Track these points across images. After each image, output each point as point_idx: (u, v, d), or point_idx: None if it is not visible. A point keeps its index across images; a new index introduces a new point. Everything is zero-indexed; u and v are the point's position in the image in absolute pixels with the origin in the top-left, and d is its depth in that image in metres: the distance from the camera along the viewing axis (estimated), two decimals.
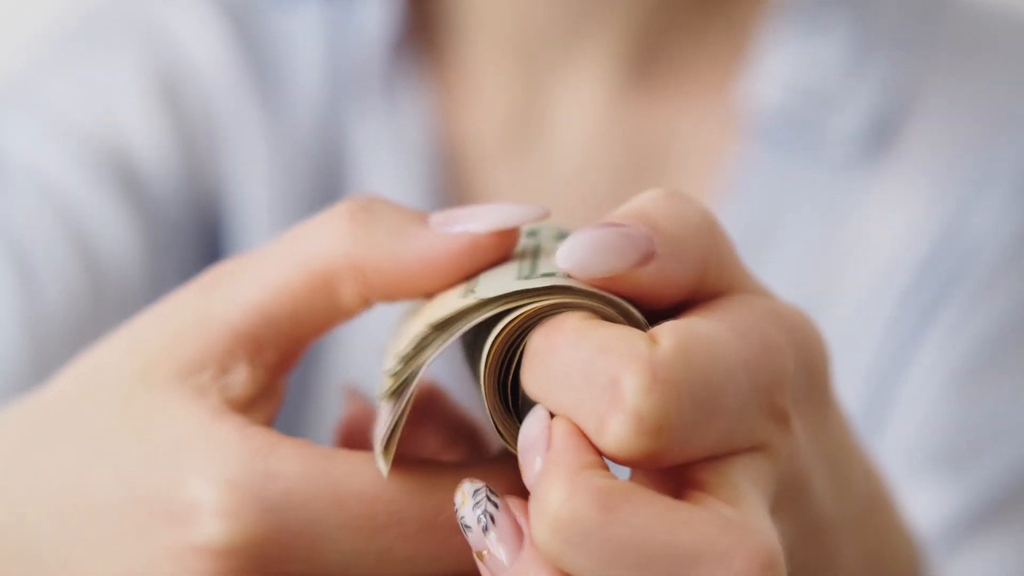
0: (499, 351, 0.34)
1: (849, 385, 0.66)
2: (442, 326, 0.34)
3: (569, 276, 0.34)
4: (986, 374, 0.67)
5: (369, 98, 0.73)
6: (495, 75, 0.73)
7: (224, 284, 0.37)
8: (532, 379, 0.33)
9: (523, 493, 0.33)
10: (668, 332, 0.32)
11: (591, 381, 0.32)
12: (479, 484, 0.34)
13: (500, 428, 0.35)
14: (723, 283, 0.35)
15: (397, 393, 0.35)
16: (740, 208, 0.70)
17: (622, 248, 0.34)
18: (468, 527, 0.33)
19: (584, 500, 0.30)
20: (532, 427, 0.33)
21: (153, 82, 0.72)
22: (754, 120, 0.71)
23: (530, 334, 0.34)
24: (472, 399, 0.39)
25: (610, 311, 0.34)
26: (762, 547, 0.31)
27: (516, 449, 0.34)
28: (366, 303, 0.37)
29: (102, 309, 0.68)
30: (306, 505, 0.35)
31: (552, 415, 0.33)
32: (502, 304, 0.34)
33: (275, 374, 0.38)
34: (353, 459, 0.35)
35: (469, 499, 0.34)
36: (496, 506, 0.33)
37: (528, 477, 0.33)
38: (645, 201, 0.35)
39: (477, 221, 0.36)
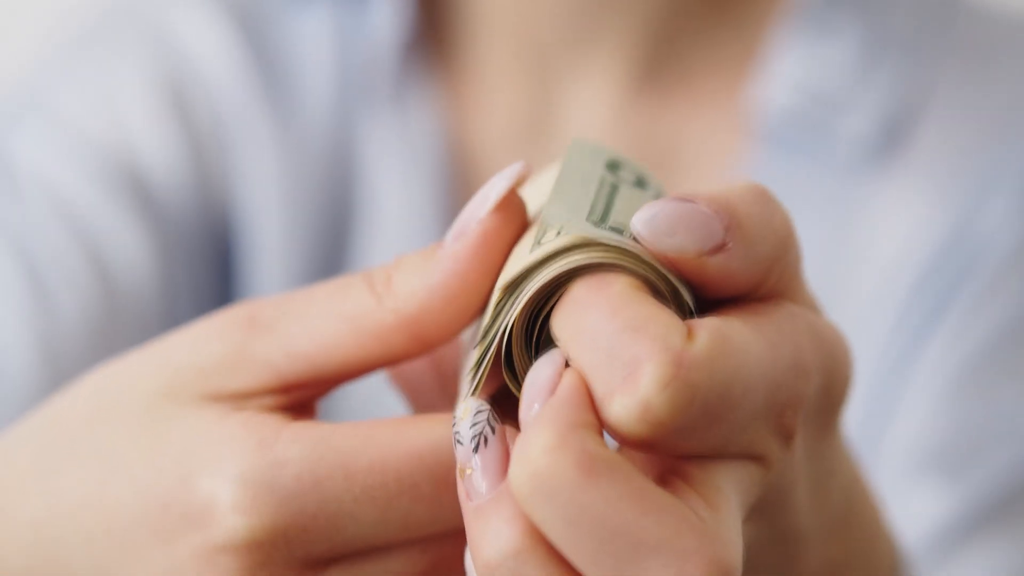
0: (543, 289, 0.34)
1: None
2: (512, 286, 0.34)
3: (635, 239, 0.34)
4: (988, 376, 0.67)
5: (379, 102, 0.72)
6: (506, 79, 0.72)
7: (270, 330, 0.37)
8: (562, 325, 0.33)
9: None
10: (705, 331, 0.32)
11: (615, 352, 0.32)
12: (486, 406, 0.34)
13: (515, 360, 0.35)
14: (779, 288, 0.36)
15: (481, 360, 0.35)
16: None
17: (699, 232, 0.33)
18: (460, 442, 0.33)
19: (567, 458, 0.30)
20: (543, 369, 0.33)
21: (162, 89, 0.71)
22: (764, 123, 0.71)
23: (577, 279, 0.33)
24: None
25: (660, 285, 0.34)
26: (720, 560, 0.31)
27: (517, 389, 0.34)
28: (424, 346, 0.37)
29: (115, 319, 0.68)
30: (318, 486, 0.35)
31: (567, 365, 0.33)
32: (563, 262, 0.33)
33: (311, 401, 0.38)
34: (358, 432, 0.36)
35: (470, 416, 0.34)
36: (493, 431, 0.33)
37: (524, 416, 0.33)
38: (733, 192, 0.34)
39: (477, 208, 0.36)
